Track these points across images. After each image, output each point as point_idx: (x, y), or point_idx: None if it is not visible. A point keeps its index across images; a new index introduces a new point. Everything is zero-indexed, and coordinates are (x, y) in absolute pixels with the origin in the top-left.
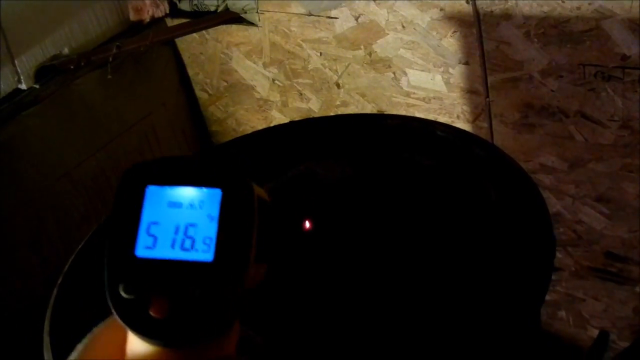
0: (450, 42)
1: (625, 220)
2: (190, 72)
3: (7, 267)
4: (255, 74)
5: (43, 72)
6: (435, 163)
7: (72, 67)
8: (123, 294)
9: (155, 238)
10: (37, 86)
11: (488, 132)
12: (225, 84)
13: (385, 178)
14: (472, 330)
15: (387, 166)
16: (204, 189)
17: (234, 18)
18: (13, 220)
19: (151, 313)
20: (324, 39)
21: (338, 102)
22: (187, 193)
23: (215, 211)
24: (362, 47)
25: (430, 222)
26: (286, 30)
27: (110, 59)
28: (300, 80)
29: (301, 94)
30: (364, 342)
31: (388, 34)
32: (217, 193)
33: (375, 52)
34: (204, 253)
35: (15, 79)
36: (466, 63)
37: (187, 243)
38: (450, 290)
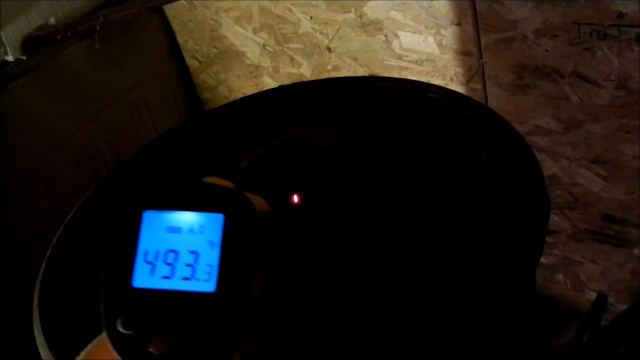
0: (442, 3)
1: (622, 182)
2: (180, 39)
3: (0, 241)
4: (245, 40)
5: (29, 43)
6: (428, 126)
7: (58, 37)
8: (121, 329)
9: (153, 266)
10: (24, 57)
11: (482, 94)
12: (215, 50)
13: (377, 141)
14: (466, 293)
15: (379, 129)
16: (205, 214)
17: None
18: (4, 194)
19: (151, 350)
20: (314, 3)
21: (330, 67)
22: (187, 218)
23: (216, 237)
24: (352, 10)
25: (423, 185)
26: None
27: (98, 28)
28: (291, 45)
29: (292, 59)
30: (359, 317)
31: None
32: (218, 218)
33: (366, 14)
34: (205, 283)
35: (2, 50)
36: (458, 24)
37: (188, 272)
38: (444, 254)
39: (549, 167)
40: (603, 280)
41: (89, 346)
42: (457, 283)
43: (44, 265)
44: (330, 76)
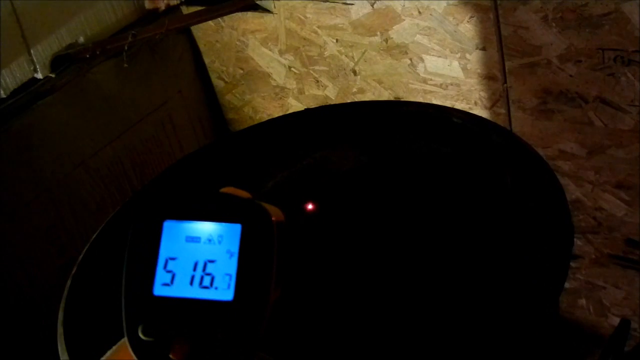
0: (467, 28)
1: None
2: (206, 60)
3: (24, 256)
4: (271, 62)
5: (59, 61)
6: (452, 150)
7: (87, 56)
8: (142, 336)
9: (173, 274)
10: (53, 75)
11: (506, 118)
12: (241, 71)
13: (401, 166)
14: (488, 318)
15: (403, 154)
16: (223, 224)
17: (250, 5)
18: (30, 209)
19: (171, 356)
20: (340, 26)
21: (354, 89)
22: (206, 228)
23: (234, 247)
24: (378, 33)
25: (446, 209)
26: (302, 17)
27: (126, 48)
28: (316, 68)
29: (317, 81)
30: (379, 327)
31: (404, 19)
32: (236, 228)
33: (392, 38)
34: (223, 291)
35: (31, 68)
36: (483, 49)
37: (206, 280)
38: (467, 278)
39: (572, 191)
40: (626, 305)
41: (112, 349)
42: (480, 308)
43: (69, 283)
44: (355, 98)
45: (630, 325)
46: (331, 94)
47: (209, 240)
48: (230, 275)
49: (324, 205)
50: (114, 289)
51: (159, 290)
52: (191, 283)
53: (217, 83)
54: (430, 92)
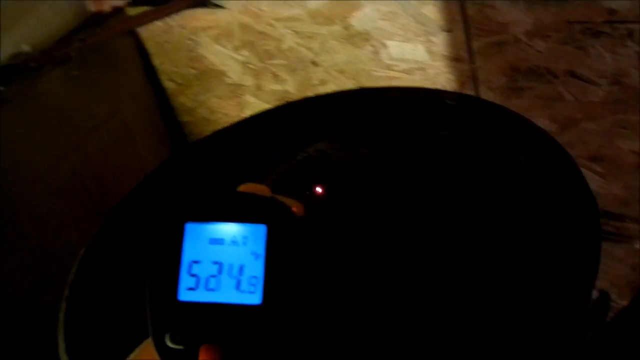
0: (431, 10)
1: (620, 177)
2: (156, 61)
3: None
4: (225, 59)
5: (4, 73)
6: (451, 133)
7: (34, 65)
8: (170, 344)
9: (197, 278)
10: (1, 88)
11: None
12: (194, 71)
13: (403, 154)
14: (519, 319)
15: (402, 141)
16: (248, 225)
17: (199, 1)
18: None
19: None
20: (297, 16)
21: (316, 81)
22: (229, 229)
23: (260, 248)
24: (337, 21)
25: (464, 198)
26: (256, 10)
27: (73, 54)
28: (274, 62)
29: (276, 76)
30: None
31: (365, 5)
32: (261, 229)
33: (352, 25)
34: (250, 295)
35: None
36: (449, 30)
37: (232, 284)
38: (495, 270)
39: None
40: (604, 277)
41: (136, 350)
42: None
43: (64, 305)
44: (316, 91)
45: (610, 297)
46: (291, 87)
47: (234, 242)
48: (256, 278)
49: (332, 200)
50: (108, 306)
51: (184, 295)
52: (217, 287)
53: (169, 85)
54: (395, 78)
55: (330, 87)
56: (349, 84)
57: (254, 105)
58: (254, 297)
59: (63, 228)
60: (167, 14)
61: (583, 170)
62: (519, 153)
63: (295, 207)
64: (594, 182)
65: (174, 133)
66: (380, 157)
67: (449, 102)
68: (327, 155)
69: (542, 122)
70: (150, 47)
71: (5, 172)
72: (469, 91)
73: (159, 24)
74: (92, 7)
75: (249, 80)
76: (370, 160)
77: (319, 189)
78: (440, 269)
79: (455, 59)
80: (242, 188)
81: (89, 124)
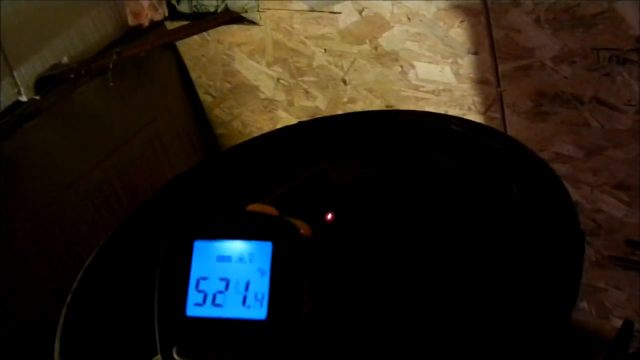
0: (458, 32)
1: None
2: (193, 75)
3: (15, 281)
4: (259, 74)
5: (43, 83)
6: (454, 159)
7: (72, 76)
8: (177, 358)
9: (205, 294)
10: (38, 97)
11: (501, 122)
12: (228, 85)
13: (403, 177)
14: (502, 331)
15: (404, 164)
16: (254, 242)
17: (235, 18)
18: (19, 234)
19: None
20: (328, 35)
21: (345, 99)
22: (236, 247)
23: (266, 265)
24: (367, 41)
25: (455, 222)
26: (289, 28)
27: (111, 66)
28: (305, 78)
29: (307, 92)
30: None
31: (393, 26)
32: (267, 246)
33: (381, 45)
34: (256, 310)
35: (15, 90)
36: (475, 53)
37: (239, 300)
38: (480, 290)
39: (570, 194)
40: (628, 306)
41: None
42: (494, 321)
43: (64, 311)
44: (346, 108)
45: (634, 326)
46: (321, 104)
47: (240, 259)
48: (262, 294)
49: (338, 222)
50: (110, 315)
51: (191, 310)
52: (224, 303)
53: (205, 98)
54: (423, 99)
55: (359, 105)
56: (377, 103)
57: (286, 120)
58: (260, 312)
59: (92, 235)
60: (204, 29)
61: (608, 198)
62: (512, 182)
63: (303, 229)
64: (619, 210)
65: (209, 145)
66: (384, 180)
67: (456, 129)
68: (329, 175)
69: (567, 148)
70: (188, 60)
71: (38, 177)
72: (495, 114)
73: (196, 38)
74: (131, 21)
75: (281, 96)
76: (375, 182)
77: (329, 216)
78: (440, 287)
79: (481, 82)
80: (250, 208)
81: (123, 133)
